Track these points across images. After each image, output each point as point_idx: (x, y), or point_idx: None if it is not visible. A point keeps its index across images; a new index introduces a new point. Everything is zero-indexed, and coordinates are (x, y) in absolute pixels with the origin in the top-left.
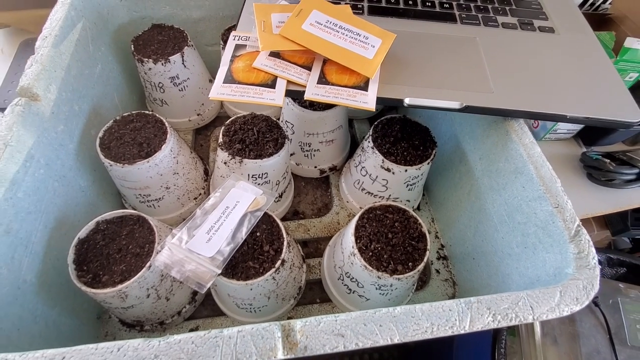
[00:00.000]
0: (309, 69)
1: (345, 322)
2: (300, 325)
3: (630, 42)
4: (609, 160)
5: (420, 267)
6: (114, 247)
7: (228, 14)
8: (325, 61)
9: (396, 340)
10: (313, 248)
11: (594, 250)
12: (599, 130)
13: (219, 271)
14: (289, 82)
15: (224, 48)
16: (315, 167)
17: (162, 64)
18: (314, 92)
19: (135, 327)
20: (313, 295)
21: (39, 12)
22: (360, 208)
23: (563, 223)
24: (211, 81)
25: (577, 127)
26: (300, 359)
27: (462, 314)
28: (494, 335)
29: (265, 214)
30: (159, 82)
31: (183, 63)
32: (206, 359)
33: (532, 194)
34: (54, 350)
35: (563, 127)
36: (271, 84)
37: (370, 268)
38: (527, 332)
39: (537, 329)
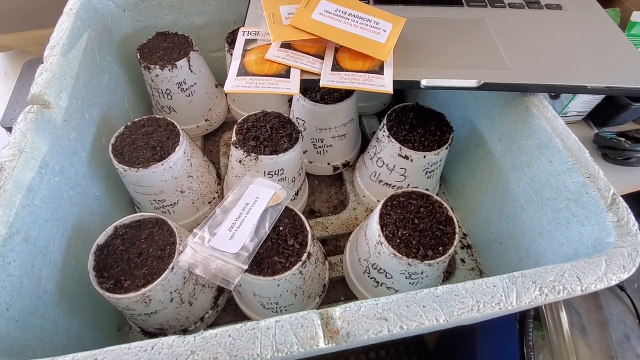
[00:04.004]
0: (322, 57)
1: (387, 305)
2: (340, 312)
3: (636, 16)
4: (623, 139)
5: (451, 251)
6: (134, 251)
7: (231, 18)
8: (337, 49)
9: (441, 321)
10: (332, 246)
11: (632, 216)
12: (610, 110)
13: (246, 267)
14: (302, 71)
15: (229, 51)
16: (329, 163)
17: (169, 69)
18: (329, 79)
19: (158, 335)
20: (337, 294)
21: (40, 33)
22: (378, 201)
23: (598, 192)
24: (217, 86)
25: (588, 108)
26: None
27: (507, 290)
28: (520, 330)
29: (287, 207)
30: (167, 89)
31: (189, 68)
32: (246, 351)
33: (561, 167)
34: (86, 353)
35: (573, 110)
36: (285, 74)
37: (400, 255)
38: (554, 324)
39: (565, 319)
